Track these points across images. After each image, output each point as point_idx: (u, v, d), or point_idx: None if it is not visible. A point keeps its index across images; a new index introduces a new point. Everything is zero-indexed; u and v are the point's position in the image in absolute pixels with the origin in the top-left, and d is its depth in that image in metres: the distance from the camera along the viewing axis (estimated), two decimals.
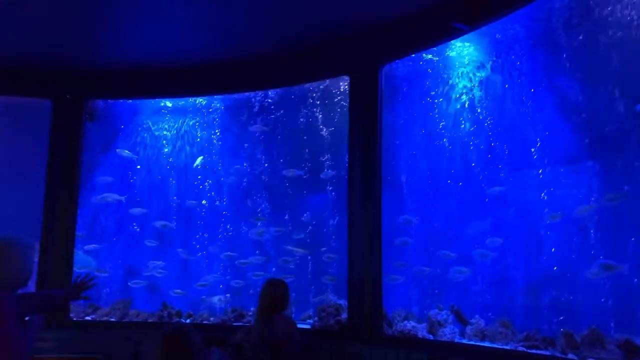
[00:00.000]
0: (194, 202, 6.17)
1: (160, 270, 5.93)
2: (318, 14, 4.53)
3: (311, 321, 5.09)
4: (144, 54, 5.37)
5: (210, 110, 6.27)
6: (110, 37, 5.08)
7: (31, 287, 2.72)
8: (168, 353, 2.93)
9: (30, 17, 4.66)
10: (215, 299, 5.72)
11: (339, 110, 5.49)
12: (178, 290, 5.80)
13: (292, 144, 5.76)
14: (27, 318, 2.75)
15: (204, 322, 5.46)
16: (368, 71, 4.82)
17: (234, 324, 5.29)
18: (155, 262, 5.91)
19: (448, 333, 4.30)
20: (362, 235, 4.60)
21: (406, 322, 4.49)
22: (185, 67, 5.56)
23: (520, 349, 3.76)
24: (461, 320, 4.45)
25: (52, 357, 4.90)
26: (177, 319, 5.55)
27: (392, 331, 4.49)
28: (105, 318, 5.67)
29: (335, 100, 5.59)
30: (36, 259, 5.05)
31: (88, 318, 5.67)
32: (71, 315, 5.57)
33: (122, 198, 5.99)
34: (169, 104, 6.32)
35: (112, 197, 5.98)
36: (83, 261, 5.79)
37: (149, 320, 5.58)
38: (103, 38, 5.09)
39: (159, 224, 6.02)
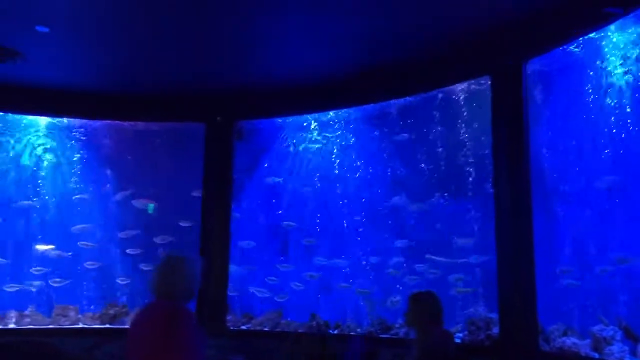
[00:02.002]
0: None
1: (297, 284, 6.04)
2: (455, 15, 4.36)
3: (460, 335, 4.88)
4: (287, 72, 5.58)
5: (350, 121, 6.30)
6: (255, 60, 5.36)
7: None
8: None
9: (183, 49, 5.09)
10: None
11: (478, 114, 5.22)
12: (364, 290, 5.82)
13: (432, 150, 5.58)
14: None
15: (351, 332, 5.49)
16: (511, 69, 4.54)
17: (380, 335, 5.25)
18: (312, 273, 6.02)
19: (616, 351, 3.84)
20: (512, 244, 4.32)
21: (565, 338, 4.11)
22: (327, 80, 5.68)
23: None
24: (631, 337, 3.97)
25: None
26: (326, 330, 5.65)
27: (550, 348, 4.14)
28: (258, 327, 5.94)
29: (474, 104, 5.33)
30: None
31: (243, 327, 5.99)
32: (228, 324, 5.92)
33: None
34: (310, 118, 6.47)
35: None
36: (235, 275, 6.13)
37: (299, 331, 5.74)
38: (248, 62, 5.39)
39: (305, 241, 6.21)
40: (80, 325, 6.09)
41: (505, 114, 4.56)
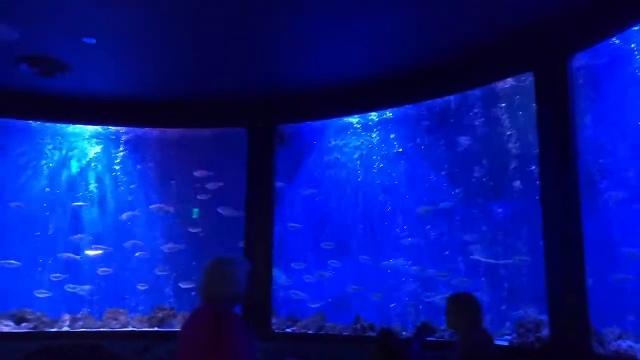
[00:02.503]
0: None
1: (354, 287, 6.01)
2: (496, 9, 4.28)
3: (509, 337, 4.77)
4: (328, 73, 5.59)
5: (390, 122, 6.25)
6: (295, 63, 5.40)
7: None
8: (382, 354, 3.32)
9: (224, 56, 5.16)
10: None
11: (522, 111, 5.10)
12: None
13: (475, 150, 5.47)
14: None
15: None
16: (555, 64, 4.42)
17: (426, 338, 5.16)
18: (355, 287, 5.99)
19: None
20: (560, 244, 4.20)
21: (620, 341, 3.97)
22: (368, 81, 5.67)
23: None
24: None
25: None
26: (371, 333, 5.62)
27: (605, 351, 4.00)
28: (303, 330, 5.96)
29: (516, 101, 5.21)
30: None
31: (288, 330, 6.02)
32: (273, 327, 5.96)
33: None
34: (353, 120, 6.45)
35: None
36: (278, 278, 6.16)
37: (344, 334, 5.73)
38: (288, 65, 5.44)
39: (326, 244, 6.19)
40: (130, 328, 6.23)
41: (550, 112, 4.43)
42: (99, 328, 6.17)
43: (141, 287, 6.52)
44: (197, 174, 6.52)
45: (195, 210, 6.70)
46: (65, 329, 6.09)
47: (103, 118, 6.47)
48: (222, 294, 2.84)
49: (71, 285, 6.39)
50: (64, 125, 6.68)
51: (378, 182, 6.22)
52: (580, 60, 4.47)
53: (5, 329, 5.84)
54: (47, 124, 6.59)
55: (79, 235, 6.58)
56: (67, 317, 6.19)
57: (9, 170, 6.55)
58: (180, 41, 4.87)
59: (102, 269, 6.48)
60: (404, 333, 5.46)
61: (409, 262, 5.81)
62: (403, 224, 5.99)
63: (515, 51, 4.75)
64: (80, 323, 6.18)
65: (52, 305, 6.32)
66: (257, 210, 6.14)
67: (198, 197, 6.59)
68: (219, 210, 6.43)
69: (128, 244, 6.55)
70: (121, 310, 6.38)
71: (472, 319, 3.87)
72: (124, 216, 6.66)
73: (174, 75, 5.70)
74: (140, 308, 6.56)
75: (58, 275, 6.37)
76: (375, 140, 6.34)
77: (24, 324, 5.96)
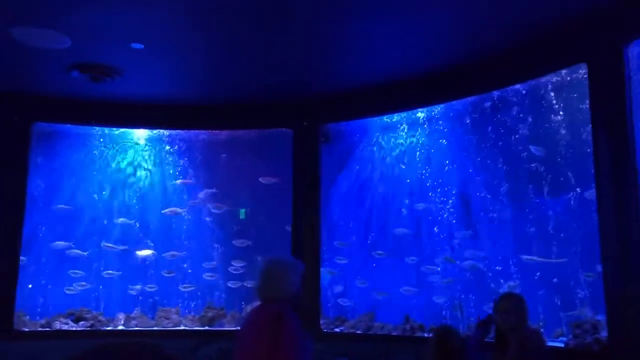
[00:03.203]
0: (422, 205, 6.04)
1: (407, 288, 5.93)
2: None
3: (564, 339, 4.61)
4: (372, 71, 5.51)
5: (438, 119, 6.13)
6: (339, 61, 5.36)
7: None
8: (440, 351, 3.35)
9: (270, 57, 5.17)
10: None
11: (576, 106, 4.91)
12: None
13: (527, 147, 5.30)
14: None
15: None
16: (609, 54, 4.22)
17: None
18: (408, 288, 5.93)
19: None
20: (618, 242, 4.01)
21: None
22: (413, 77, 5.56)
23: None
24: None
25: None
26: (420, 333, 5.54)
27: None
28: (352, 330, 5.93)
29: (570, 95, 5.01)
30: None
31: (337, 330, 6.01)
32: (322, 326, 5.96)
33: None
34: (396, 118, 6.37)
35: None
36: (324, 278, 6.16)
37: (393, 334, 5.68)
38: (333, 63, 5.41)
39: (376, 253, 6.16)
40: (182, 327, 6.36)
41: (605, 105, 4.24)
42: (151, 327, 6.32)
43: (185, 288, 6.64)
44: (263, 180, 6.59)
45: (243, 210, 6.77)
46: (120, 327, 6.27)
47: (151, 121, 6.61)
48: (279, 295, 2.92)
49: (136, 286, 6.60)
50: (114, 130, 6.87)
51: (425, 178, 6.11)
52: (637, 48, 4.25)
53: (65, 327, 6.08)
54: (97, 129, 6.78)
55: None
56: (122, 316, 6.37)
57: (62, 175, 6.77)
58: (225, 43, 4.90)
59: (166, 271, 6.64)
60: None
61: (457, 262, 5.68)
62: (451, 223, 5.87)
63: (567, 42, 4.56)
64: (134, 322, 6.35)
65: (109, 305, 6.55)
66: (303, 209, 6.15)
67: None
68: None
69: (173, 255, 6.68)
70: (173, 310, 6.52)
71: (523, 316, 3.90)
72: (176, 210, 6.77)
73: (220, 77, 5.75)
74: (191, 304, 6.69)
75: (110, 272, 6.58)
76: (422, 138, 6.23)
77: (81, 323, 6.18)
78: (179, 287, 6.62)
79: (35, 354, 5.71)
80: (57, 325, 6.08)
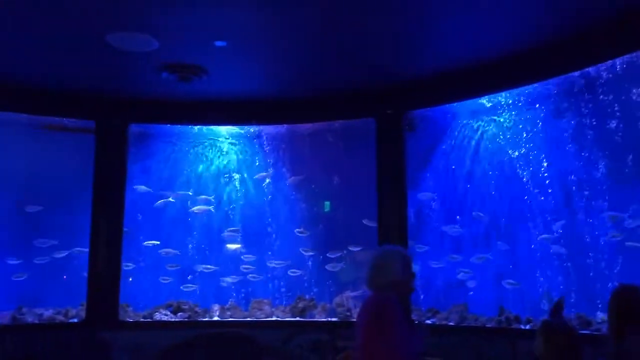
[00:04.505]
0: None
1: (511, 282, 5.70)
2: None
3: None
4: (457, 53, 5.31)
5: (529, 103, 5.78)
6: (423, 45, 5.21)
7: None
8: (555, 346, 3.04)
9: (350, 46, 5.11)
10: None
11: None
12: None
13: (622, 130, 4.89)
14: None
15: None
16: None
17: (580, 331, 4.74)
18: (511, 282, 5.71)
19: None
20: None
21: None
22: (499, 58, 5.30)
23: None
24: None
25: None
26: (517, 325, 5.29)
27: None
28: (444, 322, 5.78)
29: None
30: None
31: (428, 322, 5.87)
32: (413, 317, 5.84)
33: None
34: (486, 102, 6.08)
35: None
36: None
37: (487, 326, 5.46)
38: (416, 48, 5.25)
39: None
40: (274, 318, 6.48)
41: None
42: (245, 318, 6.49)
43: (293, 273, 6.77)
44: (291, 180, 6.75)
45: (327, 203, 6.79)
46: (215, 318, 6.49)
47: (237, 118, 6.76)
48: (380, 283, 2.97)
49: (228, 278, 6.86)
50: (202, 127, 7.10)
51: (518, 163, 5.81)
52: None
53: (165, 318, 6.39)
54: (182, 127, 7.02)
55: (230, 230, 7.00)
56: (216, 307, 6.59)
57: (154, 175, 7.11)
58: (306, 36, 4.91)
59: (275, 261, 6.82)
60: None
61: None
62: (545, 213, 5.56)
63: None
64: (229, 313, 6.55)
65: (202, 296, 6.81)
66: (389, 200, 6.05)
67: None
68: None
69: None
70: (265, 301, 6.66)
71: (626, 316, 3.34)
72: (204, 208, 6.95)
73: (302, 70, 5.77)
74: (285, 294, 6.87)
75: (209, 267, 6.84)
76: (511, 123, 5.93)
77: (179, 314, 6.46)
78: (288, 272, 6.77)
79: (138, 343, 6.04)
80: (157, 316, 6.40)
